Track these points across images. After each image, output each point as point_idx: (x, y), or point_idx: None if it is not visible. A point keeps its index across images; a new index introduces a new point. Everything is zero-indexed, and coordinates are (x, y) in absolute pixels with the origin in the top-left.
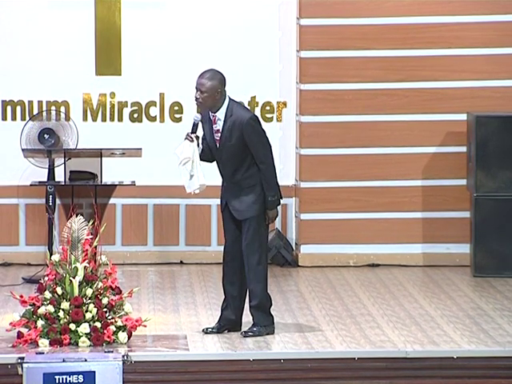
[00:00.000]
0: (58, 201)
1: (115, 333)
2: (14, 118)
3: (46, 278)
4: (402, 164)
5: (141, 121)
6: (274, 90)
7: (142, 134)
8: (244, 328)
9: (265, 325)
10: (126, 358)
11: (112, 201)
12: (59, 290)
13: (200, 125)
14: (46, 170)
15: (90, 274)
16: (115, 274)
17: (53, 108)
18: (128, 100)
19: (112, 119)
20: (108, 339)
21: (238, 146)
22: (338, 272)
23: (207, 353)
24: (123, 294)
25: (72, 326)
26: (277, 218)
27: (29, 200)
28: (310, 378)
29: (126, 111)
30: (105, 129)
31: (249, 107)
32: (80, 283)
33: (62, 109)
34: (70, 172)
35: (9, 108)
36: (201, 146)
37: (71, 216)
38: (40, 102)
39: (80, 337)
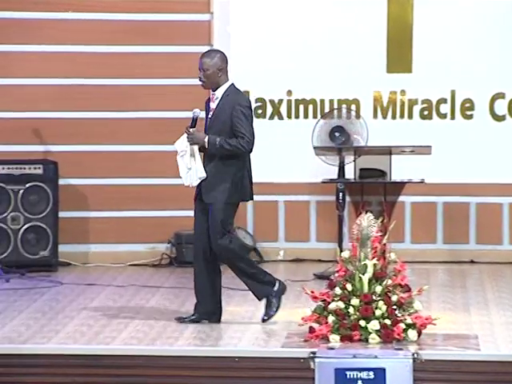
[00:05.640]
0: (347, 198)
1: (405, 330)
2: (305, 116)
3: (336, 275)
4: None
5: (431, 118)
6: None
7: (432, 132)
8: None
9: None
10: (416, 356)
11: (401, 198)
12: (349, 287)
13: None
14: (336, 168)
15: (379, 271)
16: (404, 271)
17: (343, 106)
18: (418, 97)
19: (402, 116)
20: (398, 336)
21: (224, 124)
22: None
23: (499, 353)
24: (412, 291)
25: (362, 323)
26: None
27: (319, 197)
28: None
29: (416, 108)
30: (394, 126)
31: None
32: (369, 280)
33: (353, 106)
34: (360, 169)
35: (301, 107)
36: None
37: (360, 213)
38: (331, 101)
39: (370, 333)
